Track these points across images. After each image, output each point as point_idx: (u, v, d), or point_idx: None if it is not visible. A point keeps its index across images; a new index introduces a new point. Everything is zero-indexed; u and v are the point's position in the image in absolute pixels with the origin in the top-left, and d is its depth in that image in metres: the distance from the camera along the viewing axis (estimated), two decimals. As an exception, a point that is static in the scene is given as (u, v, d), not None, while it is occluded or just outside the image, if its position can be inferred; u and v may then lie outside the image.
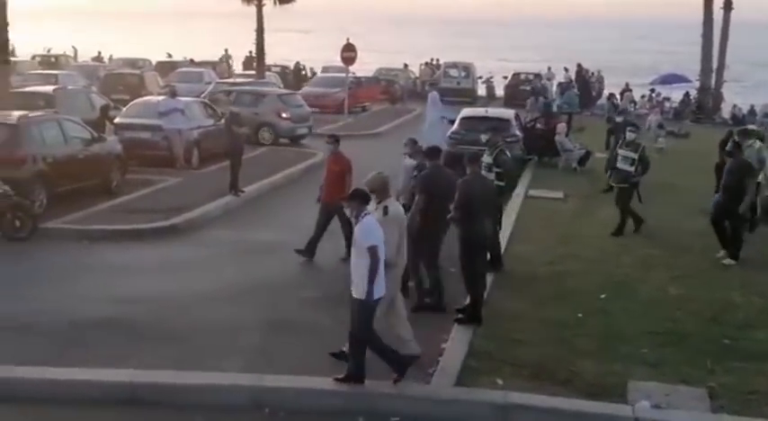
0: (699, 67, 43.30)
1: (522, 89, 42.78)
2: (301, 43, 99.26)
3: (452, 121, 23.68)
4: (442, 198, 11.14)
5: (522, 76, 46.37)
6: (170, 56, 49.96)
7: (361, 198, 8.76)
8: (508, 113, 24.98)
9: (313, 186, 14.16)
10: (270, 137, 26.52)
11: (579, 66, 45.48)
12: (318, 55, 61.20)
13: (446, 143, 21.99)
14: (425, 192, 11.17)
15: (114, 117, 22.18)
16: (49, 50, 49.04)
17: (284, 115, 26.89)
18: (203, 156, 21.79)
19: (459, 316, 10.72)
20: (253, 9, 38.53)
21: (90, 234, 14.80)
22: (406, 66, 51.36)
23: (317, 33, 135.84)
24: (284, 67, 47.50)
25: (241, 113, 20.79)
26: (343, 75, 35.81)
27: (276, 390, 8.67)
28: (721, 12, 43.14)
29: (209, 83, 33.74)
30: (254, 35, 39.00)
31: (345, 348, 9.01)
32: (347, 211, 9.33)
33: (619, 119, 22.46)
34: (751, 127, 19.46)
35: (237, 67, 49.63)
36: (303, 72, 48.29)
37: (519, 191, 19.58)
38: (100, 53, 53.45)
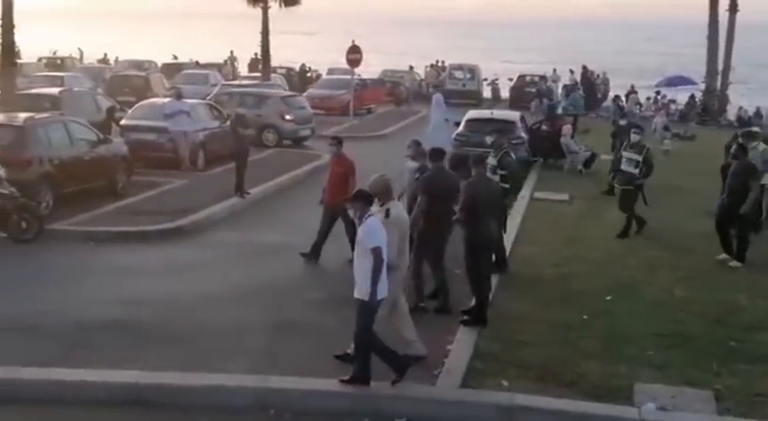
0: (704, 69, 43.22)
1: (527, 91, 42.72)
2: (306, 45, 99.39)
3: (457, 123, 23.67)
4: (445, 199, 11.14)
5: (528, 78, 46.29)
6: (176, 58, 50.06)
7: (364, 199, 8.77)
8: (513, 115, 24.96)
9: (318, 188, 14.16)
10: (273, 138, 26.57)
11: (584, 68, 45.42)
12: (323, 57, 61.29)
13: (451, 145, 22.06)
14: (427, 194, 11.17)
15: (120, 119, 22.21)
16: (54, 52, 49.12)
17: (287, 117, 26.94)
18: (209, 157, 21.82)
19: (465, 317, 10.72)
20: (258, 11, 38.61)
21: (96, 235, 14.84)
22: (411, 67, 51.36)
23: (322, 35, 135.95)
24: (289, 69, 47.55)
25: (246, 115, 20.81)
26: (349, 77, 35.85)
27: (281, 392, 8.68)
28: (727, 14, 43.05)
29: (215, 85, 33.81)
30: (259, 37, 39.05)
31: (350, 350, 9.01)
32: (351, 213, 9.34)
33: (622, 121, 22.44)
34: (755, 129, 19.43)
35: (243, 69, 49.68)
36: (308, 74, 48.33)
37: (524, 193, 19.55)
38: (106, 55, 53.55)
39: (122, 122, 21.86)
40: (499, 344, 10.08)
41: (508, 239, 14.15)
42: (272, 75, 40.01)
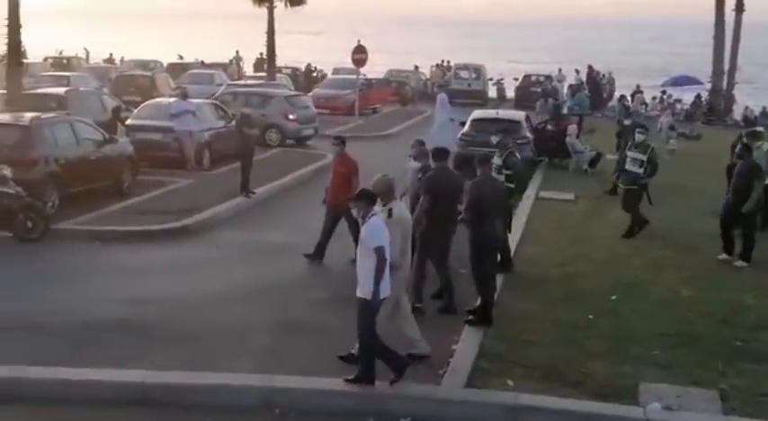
0: (710, 68, 43.14)
1: (532, 91, 42.72)
2: (312, 45, 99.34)
3: (463, 123, 23.67)
4: (448, 199, 11.13)
5: (533, 78, 46.27)
6: (181, 57, 50.11)
7: (367, 198, 8.77)
8: (519, 115, 24.96)
9: (323, 188, 14.16)
10: (277, 138, 26.58)
11: (590, 67, 45.40)
12: (329, 57, 61.31)
13: (456, 145, 22.06)
14: (430, 194, 11.16)
15: (126, 118, 22.25)
16: (60, 52, 49.23)
17: (291, 117, 26.97)
18: (214, 157, 21.84)
19: (470, 317, 10.71)
20: (264, 11, 38.61)
21: (101, 235, 14.86)
22: (416, 67, 51.37)
23: (327, 35, 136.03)
24: (295, 69, 47.57)
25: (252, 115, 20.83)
26: (354, 76, 35.86)
27: (286, 391, 8.69)
28: (733, 13, 42.96)
29: (221, 84, 33.85)
30: (264, 37, 39.06)
31: (354, 350, 9.02)
32: (354, 212, 9.36)
33: (627, 121, 22.45)
34: (759, 129, 19.41)
35: (248, 68, 49.71)
36: (314, 74, 48.34)
37: (530, 192, 19.55)
38: (111, 55, 53.62)
39: (128, 122, 21.91)
40: (504, 344, 10.08)
41: (513, 239, 14.14)
42: (278, 74, 40.00)
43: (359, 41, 34.76)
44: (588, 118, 33.17)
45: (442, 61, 52.54)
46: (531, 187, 20.27)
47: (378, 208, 9.00)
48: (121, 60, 50.89)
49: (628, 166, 16.11)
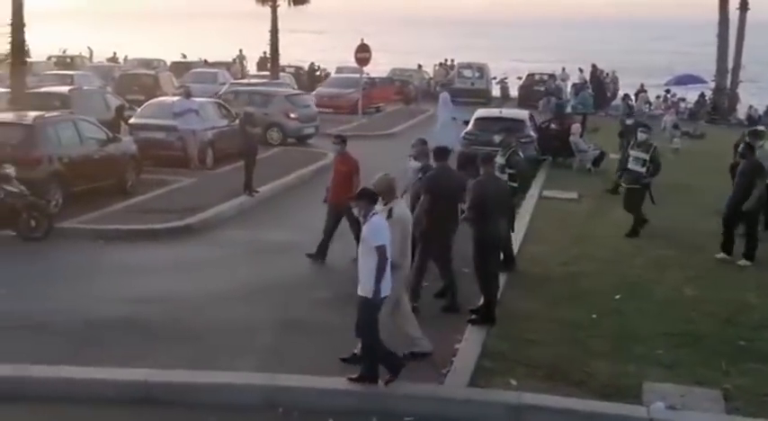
0: (714, 67, 43.07)
1: (536, 90, 42.68)
2: (315, 44, 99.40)
3: (467, 122, 23.65)
4: (448, 198, 11.12)
5: (537, 77, 46.25)
6: (185, 56, 50.13)
7: (369, 197, 8.77)
8: (522, 114, 24.92)
9: (325, 187, 14.16)
10: (278, 137, 26.57)
11: (594, 66, 45.36)
12: (332, 55, 61.32)
13: (460, 144, 22.06)
14: (430, 193, 11.14)
15: (129, 117, 22.26)
16: (64, 51, 49.28)
17: (292, 115, 26.99)
18: (217, 156, 21.86)
19: (473, 316, 10.71)
20: (267, 10, 38.60)
21: (105, 234, 14.88)
22: (420, 66, 51.35)
23: (330, 34, 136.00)
24: (298, 68, 47.58)
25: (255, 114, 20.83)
26: (358, 75, 35.86)
27: (290, 390, 8.69)
28: (737, 12, 42.89)
29: (224, 83, 33.88)
30: (268, 36, 39.06)
31: (357, 350, 9.02)
32: (355, 211, 9.36)
33: (629, 121, 22.45)
34: (761, 128, 19.39)
35: (252, 67, 49.74)
36: (317, 73, 48.34)
37: (533, 191, 19.54)
38: (115, 54, 53.68)
39: (131, 121, 21.92)
40: (507, 343, 10.07)
41: (516, 238, 14.13)
42: (281, 73, 40.02)
43: (362, 40, 34.75)
44: (592, 117, 33.14)
45: (446, 60, 52.51)
46: (535, 186, 20.26)
47: (378, 207, 9.00)
48: (125, 59, 50.95)
49: (630, 166, 16.10)
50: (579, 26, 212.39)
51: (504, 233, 11.79)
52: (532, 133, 23.06)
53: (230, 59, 49.48)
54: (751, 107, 41.67)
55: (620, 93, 42.16)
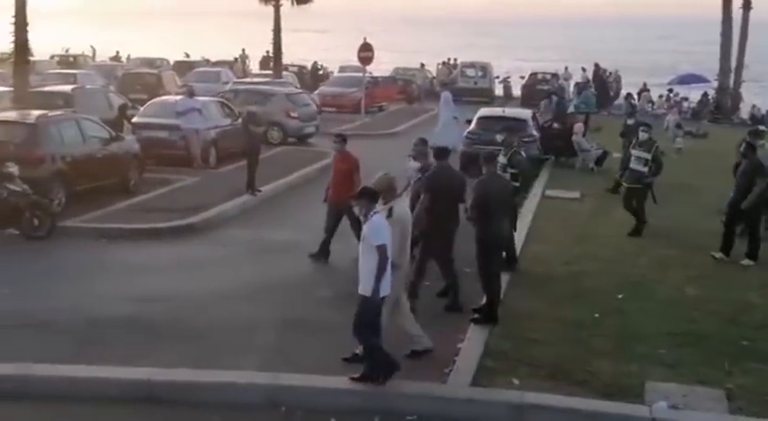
0: (717, 66, 43.03)
1: (539, 89, 42.64)
2: (318, 43, 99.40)
3: (469, 121, 23.64)
4: (448, 198, 11.10)
5: (540, 76, 46.24)
6: (188, 55, 50.15)
7: (369, 196, 8.76)
8: (525, 113, 24.91)
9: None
10: (278, 136, 26.54)
11: (596, 65, 45.33)
12: (335, 55, 61.31)
13: (462, 143, 22.06)
14: (430, 192, 11.13)
15: (132, 116, 22.29)
16: (67, 50, 49.30)
17: (293, 114, 27.00)
18: (220, 155, 21.87)
19: (476, 316, 10.71)
20: (270, 9, 38.61)
21: (108, 232, 14.89)
22: (422, 65, 51.33)
23: (333, 33, 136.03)
24: (301, 67, 47.58)
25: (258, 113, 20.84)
26: (360, 74, 35.85)
27: (292, 389, 8.70)
28: (740, 11, 42.86)
29: (227, 82, 33.89)
30: (271, 35, 39.08)
31: (359, 351, 9.02)
32: (356, 210, 9.38)
33: (630, 120, 22.41)
34: (762, 128, 19.39)
35: (255, 66, 49.77)
36: (320, 72, 48.36)
37: (536, 191, 19.56)
38: (118, 53, 53.73)
39: (134, 120, 21.96)
40: (510, 343, 10.08)
41: (519, 237, 14.13)
42: (284, 72, 40.04)
43: (365, 39, 34.74)
44: (595, 116, 33.11)
45: (449, 59, 52.49)
46: (538, 185, 20.27)
47: (379, 206, 9.00)
48: (128, 58, 50.97)
49: (632, 165, 16.08)
50: (580, 25, 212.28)
51: (507, 232, 11.79)
52: (535, 132, 23.06)
53: (232, 58, 49.47)
54: (754, 106, 41.63)
55: (623, 92, 42.15)
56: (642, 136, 16.23)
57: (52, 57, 44.99)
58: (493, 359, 9.57)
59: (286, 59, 41.89)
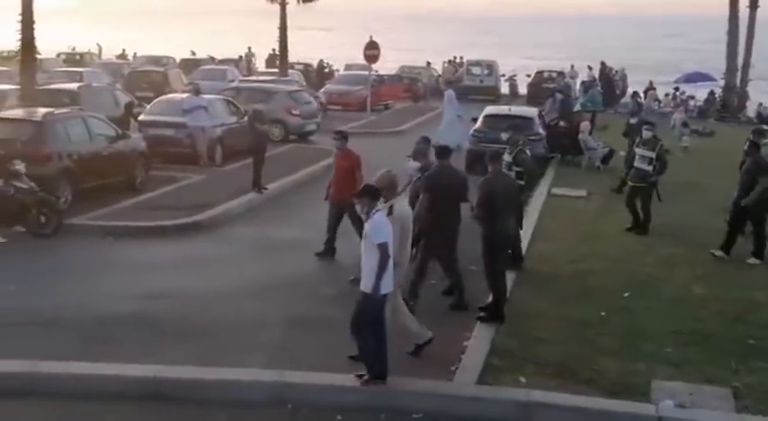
0: (723, 65, 42.91)
1: (545, 87, 42.57)
2: (324, 41, 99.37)
3: (475, 119, 23.62)
4: (449, 197, 11.08)
5: (546, 75, 46.14)
6: (194, 53, 50.18)
7: (371, 194, 8.75)
8: (531, 111, 24.89)
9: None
10: (280, 133, 26.52)
11: (603, 64, 45.23)
12: (341, 53, 61.26)
13: (468, 141, 22.05)
14: (430, 191, 11.12)
15: (138, 114, 22.30)
16: (73, 48, 49.36)
17: (294, 112, 27.02)
18: (226, 153, 21.89)
19: (482, 314, 10.71)
20: (276, 7, 38.62)
21: (114, 230, 14.92)
22: (428, 64, 51.30)
23: (339, 31, 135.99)
24: (307, 65, 47.58)
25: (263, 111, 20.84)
26: (366, 72, 35.86)
27: (298, 387, 8.70)
28: (747, 10, 42.72)
29: (233, 80, 33.92)
30: (277, 33, 39.08)
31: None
32: (358, 208, 9.39)
33: (633, 120, 22.40)
34: (765, 127, 19.35)
35: (260, 64, 49.77)
36: (326, 70, 48.35)
37: (542, 189, 19.54)
38: (124, 51, 53.75)
39: (140, 118, 21.96)
40: (516, 341, 10.07)
41: (525, 236, 14.12)
42: (290, 70, 40.04)
43: (371, 37, 34.72)
44: (601, 114, 33.06)
45: (455, 57, 52.45)
46: (544, 184, 20.26)
47: (380, 204, 8.99)
48: (134, 56, 50.99)
49: (637, 164, 16.04)
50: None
51: (513, 231, 11.78)
52: (541, 131, 23.03)
53: (237, 57, 49.48)
54: (761, 105, 41.48)
55: (630, 90, 42.03)
56: (646, 134, 16.19)
57: (59, 55, 45.02)
58: (499, 357, 9.57)
59: (292, 57, 41.87)
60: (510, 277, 11.62)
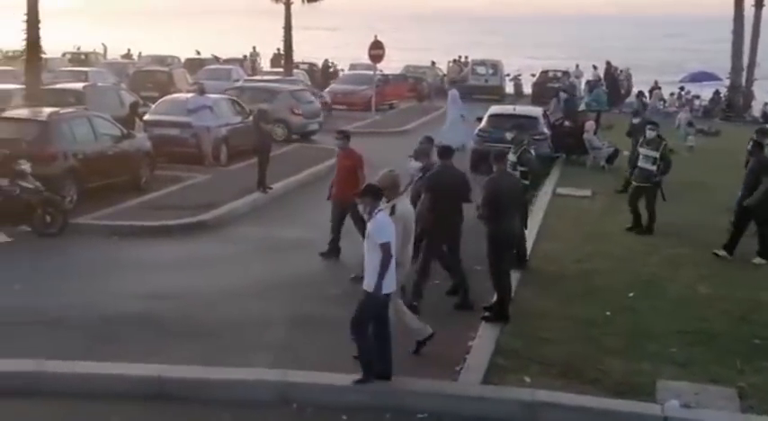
0: (729, 64, 42.84)
1: (549, 87, 42.54)
2: (328, 41, 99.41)
3: (480, 119, 23.61)
4: (451, 197, 11.08)
5: (551, 74, 46.12)
6: (198, 53, 50.23)
7: (373, 194, 8.75)
8: (536, 111, 24.86)
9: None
10: (282, 133, 26.47)
11: (608, 63, 45.18)
12: (346, 52, 61.31)
13: (473, 141, 22.04)
14: (431, 191, 11.11)
15: (143, 114, 22.32)
16: (78, 48, 49.42)
17: (297, 111, 27.03)
18: (231, 153, 21.89)
19: (486, 314, 10.70)
20: (281, 7, 38.66)
21: (119, 230, 14.94)
22: (433, 63, 51.28)
23: (343, 31, 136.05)
24: (312, 65, 47.61)
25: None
26: (371, 72, 35.85)
27: (303, 386, 8.70)
28: (752, 9, 42.65)
29: (238, 80, 33.94)
30: (281, 33, 39.12)
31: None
32: (360, 208, 9.41)
33: (636, 120, 22.39)
34: (768, 126, 19.32)
35: (265, 64, 49.79)
36: (331, 69, 48.37)
37: (547, 188, 19.52)
38: (129, 50, 53.82)
39: (146, 117, 21.97)
40: (521, 341, 10.06)
41: (530, 235, 14.10)
42: (295, 70, 40.07)
43: (376, 37, 34.71)
44: (606, 114, 33.02)
45: (459, 57, 52.43)
46: (549, 183, 20.24)
47: (382, 203, 8.99)
48: (139, 56, 51.06)
49: (641, 164, 15.99)
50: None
51: (518, 230, 11.77)
52: (546, 130, 23.00)
53: (242, 56, 49.52)
54: (766, 104, 41.35)
55: (635, 90, 41.99)
56: (649, 134, 16.14)
57: (64, 54, 45.12)
58: (504, 357, 9.56)
59: (297, 57, 41.92)
60: (515, 277, 11.60)
